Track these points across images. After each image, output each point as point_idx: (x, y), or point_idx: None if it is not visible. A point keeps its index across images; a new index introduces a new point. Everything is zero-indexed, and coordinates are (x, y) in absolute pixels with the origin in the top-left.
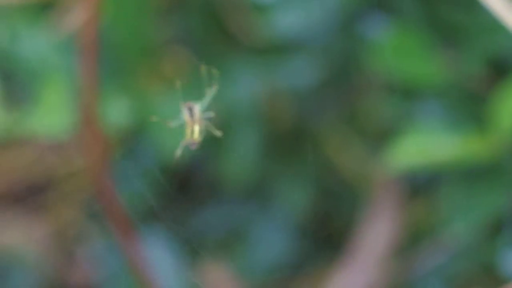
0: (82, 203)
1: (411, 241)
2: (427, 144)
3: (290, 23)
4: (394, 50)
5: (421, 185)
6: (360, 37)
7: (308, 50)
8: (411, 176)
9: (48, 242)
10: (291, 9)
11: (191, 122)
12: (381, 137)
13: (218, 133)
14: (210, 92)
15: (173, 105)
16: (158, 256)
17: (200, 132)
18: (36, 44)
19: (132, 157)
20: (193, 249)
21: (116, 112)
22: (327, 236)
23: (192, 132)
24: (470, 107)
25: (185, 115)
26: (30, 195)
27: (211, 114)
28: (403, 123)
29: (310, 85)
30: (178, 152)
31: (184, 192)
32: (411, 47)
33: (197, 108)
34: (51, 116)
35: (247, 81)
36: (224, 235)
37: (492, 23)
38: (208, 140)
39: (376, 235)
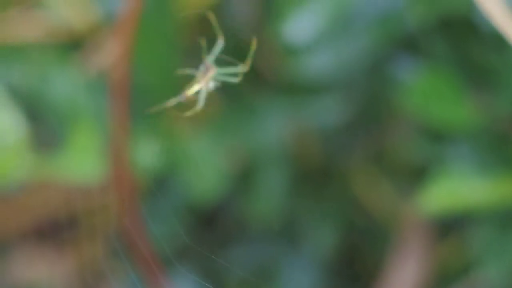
0: (108, 241)
1: (441, 282)
2: (458, 188)
3: (321, 64)
4: (425, 92)
5: (451, 225)
6: (391, 78)
7: (337, 89)
8: (441, 216)
9: (73, 279)
10: (322, 51)
11: (198, 79)
12: (410, 176)
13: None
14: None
15: (202, 145)
16: None
17: (197, 92)
18: (65, 84)
19: (160, 196)
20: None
21: (146, 154)
22: (355, 275)
23: (191, 87)
24: (501, 150)
25: (200, 70)
26: (55, 232)
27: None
28: (434, 165)
29: (338, 123)
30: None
31: (212, 231)
32: (441, 90)
33: (211, 71)
34: (80, 160)
35: (275, 119)
36: (252, 273)
37: None
38: (237, 178)
39: (405, 275)
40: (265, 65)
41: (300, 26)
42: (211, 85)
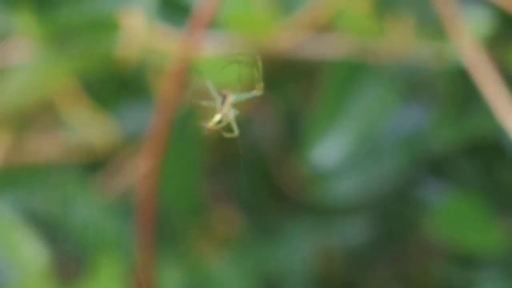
0: None
1: None
2: None
3: (347, 187)
4: (452, 216)
5: None
6: (418, 201)
7: (363, 211)
8: None
9: None
10: (348, 174)
11: (219, 109)
12: None
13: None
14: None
15: (226, 269)
16: None
17: (218, 122)
18: (87, 208)
19: None
20: None
21: (171, 279)
22: None
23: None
24: None
25: (218, 100)
26: None
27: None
28: None
29: (363, 244)
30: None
31: None
32: (469, 214)
33: (230, 98)
34: None
35: (300, 240)
36: None
37: None
38: None
39: None
40: (290, 184)
41: (326, 151)
42: (232, 113)
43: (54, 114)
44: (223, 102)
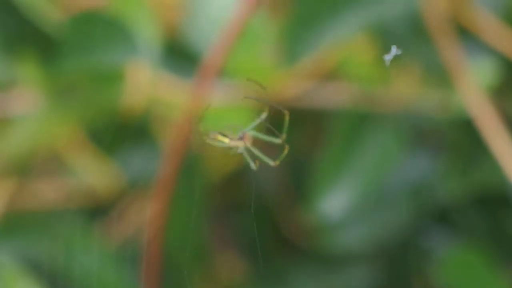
0: None
1: None
2: None
3: (353, 237)
4: (458, 267)
5: None
6: (424, 251)
7: (369, 259)
8: None
9: None
10: (354, 224)
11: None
12: None
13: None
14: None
15: None
16: None
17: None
18: (91, 256)
19: None
20: None
21: None
22: None
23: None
24: None
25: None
26: None
27: None
28: None
29: None
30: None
31: None
32: (475, 264)
33: (248, 135)
34: None
35: (304, 287)
36: None
37: None
38: None
39: None
40: (295, 231)
41: (332, 202)
42: (239, 150)
43: (58, 159)
44: (240, 138)
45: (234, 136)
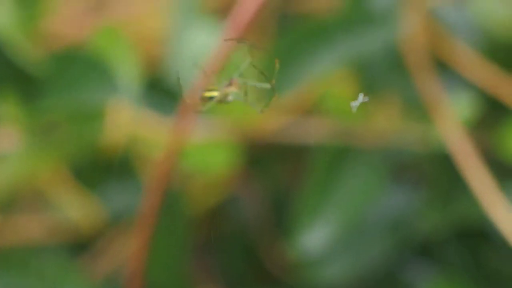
0: None
1: None
2: None
3: (334, 272)
4: None
5: None
6: (405, 285)
7: None
8: None
9: None
10: (335, 259)
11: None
12: None
13: None
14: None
15: None
16: None
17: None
18: None
19: None
20: None
21: None
22: None
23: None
24: None
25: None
26: None
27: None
28: None
29: None
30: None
31: None
32: None
33: (236, 82)
34: None
35: None
36: None
37: None
38: None
39: None
40: (276, 265)
41: (313, 237)
42: (230, 98)
43: (41, 195)
44: (228, 85)
45: (221, 86)
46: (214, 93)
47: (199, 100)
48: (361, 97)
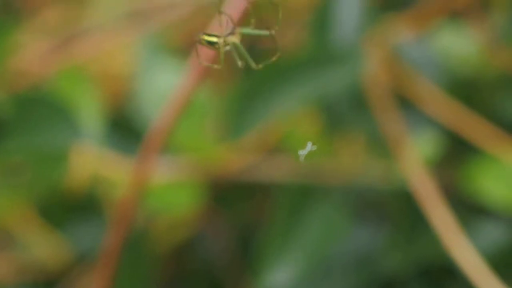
0: None
1: None
2: None
3: None
4: None
5: None
6: None
7: None
8: None
9: None
10: None
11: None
12: None
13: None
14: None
15: None
16: None
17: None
18: None
19: None
20: None
21: None
22: None
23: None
24: None
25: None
26: None
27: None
28: None
29: None
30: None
31: None
32: None
33: (237, 32)
34: None
35: None
36: None
37: None
38: None
39: None
40: None
41: (279, 275)
42: (227, 48)
43: (8, 234)
44: (229, 34)
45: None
46: (214, 39)
47: (198, 42)
48: (309, 146)
